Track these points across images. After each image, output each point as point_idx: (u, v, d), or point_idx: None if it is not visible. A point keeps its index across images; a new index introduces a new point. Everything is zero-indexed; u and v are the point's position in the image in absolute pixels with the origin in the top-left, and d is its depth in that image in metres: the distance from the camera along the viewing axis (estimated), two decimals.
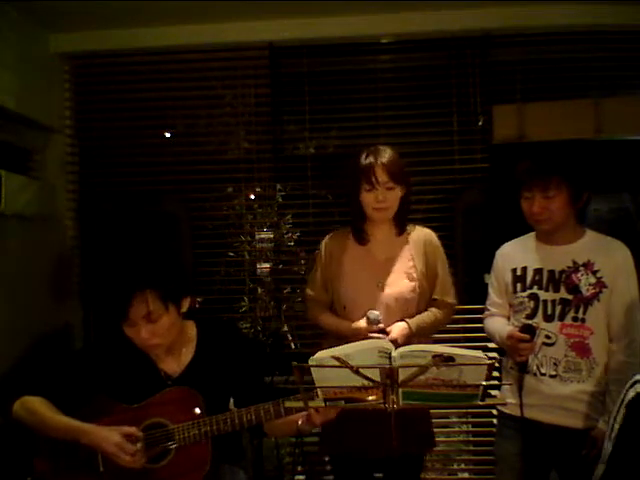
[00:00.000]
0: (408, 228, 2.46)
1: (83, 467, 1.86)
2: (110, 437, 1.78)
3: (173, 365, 1.97)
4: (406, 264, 2.41)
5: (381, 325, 2.27)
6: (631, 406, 1.60)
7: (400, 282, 2.38)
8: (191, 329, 2.03)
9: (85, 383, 1.92)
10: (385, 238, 2.44)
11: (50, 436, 1.85)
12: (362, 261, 2.42)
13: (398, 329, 2.30)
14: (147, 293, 1.81)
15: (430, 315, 2.40)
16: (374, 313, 2.27)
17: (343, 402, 1.78)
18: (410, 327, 2.32)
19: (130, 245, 2.95)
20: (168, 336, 1.90)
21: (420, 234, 2.45)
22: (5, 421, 1.92)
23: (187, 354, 1.99)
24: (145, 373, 1.94)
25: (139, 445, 1.80)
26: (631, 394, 1.61)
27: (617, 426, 1.61)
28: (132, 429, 1.81)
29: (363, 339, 2.19)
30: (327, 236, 2.53)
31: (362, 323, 2.30)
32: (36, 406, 1.87)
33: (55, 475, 1.88)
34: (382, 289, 2.36)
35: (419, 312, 2.40)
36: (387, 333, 2.28)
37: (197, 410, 1.87)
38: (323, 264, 2.48)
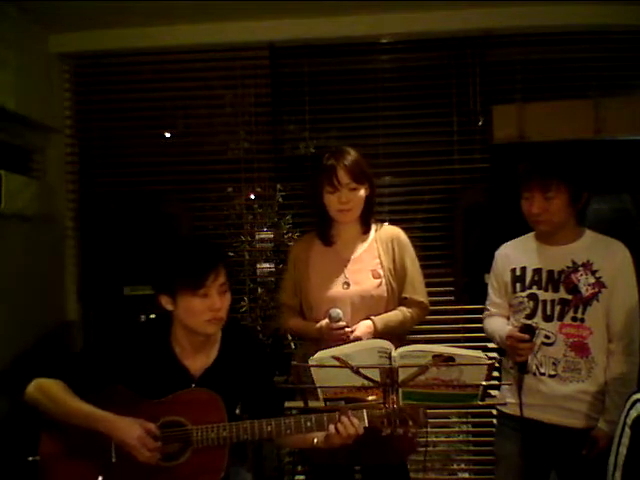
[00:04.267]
0: (374, 226, 2.44)
1: (92, 455, 1.82)
2: (132, 429, 1.75)
3: (199, 363, 1.96)
4: (372, 262, 2.37)
5: (342, 323, 2.24)
6: (636, 425, 1.54)
7: (365, 279, 2.35)
8: None
9: (104, 371, 1.88)
10: (351, 237, 2.42)
11: (65, 421, 1.79)
12: (328, 261, 2.40)
13: (363, 327, 2.27)
14: (223, 266, 1.91)
15: (398, 314, 2.35)
16: (335, 311, 2.24)
17: (343, 402, 1.78)
18: (376, 325, 2.28)
19: (129, 245, 2.96)
20: (226, 316, 1.93)
21: (387, 232, 2.43)
22: (16, 403, 1.86)
23: (211, 354, 1.98)
24: (169, 369, 1.92)
25: (158, 442, 1.78)
26: (634, 413, 1.56)
27: (624, 450, 1.54)
28: (152, 425, 1.79)
29: (332, 339, 2.19)
30: (295, 241, 2.52)
31: (324, 322, 2.28)
32: (53, 389, 1.81)
33: (60, 459, 1.83)
34: (347, 287, 2.34)
35: (388, 311, 2.36)
36: (351, 331, 2.25)
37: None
38: (291, 269, 2.47)
